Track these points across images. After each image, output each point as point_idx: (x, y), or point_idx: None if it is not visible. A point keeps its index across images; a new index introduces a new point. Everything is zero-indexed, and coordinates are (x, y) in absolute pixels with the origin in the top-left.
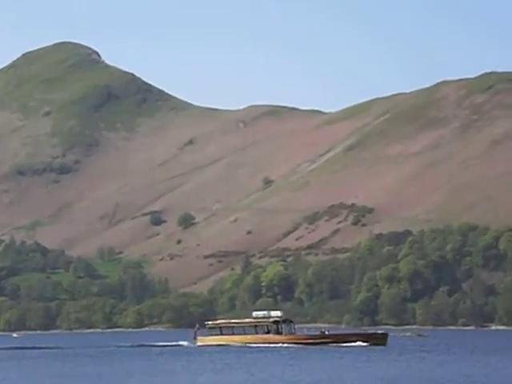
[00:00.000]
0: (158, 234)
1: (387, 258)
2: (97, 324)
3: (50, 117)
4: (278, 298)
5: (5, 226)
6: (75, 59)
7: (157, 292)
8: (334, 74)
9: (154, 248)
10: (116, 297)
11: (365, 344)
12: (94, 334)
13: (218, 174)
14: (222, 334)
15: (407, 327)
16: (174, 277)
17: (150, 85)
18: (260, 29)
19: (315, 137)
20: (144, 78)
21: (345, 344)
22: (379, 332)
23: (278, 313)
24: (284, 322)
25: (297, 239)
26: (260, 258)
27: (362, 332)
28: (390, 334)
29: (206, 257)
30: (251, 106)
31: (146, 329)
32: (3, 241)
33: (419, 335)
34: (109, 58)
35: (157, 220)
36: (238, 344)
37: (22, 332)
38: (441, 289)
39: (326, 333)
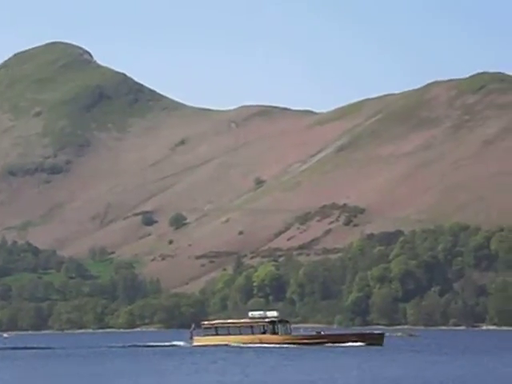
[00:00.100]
0: (149, 235)
1: (379, 258)
2: (88, 324)
3: (42, 117)
4: (270, 298)
5: None
6: (67, 59)
7: (148, 292)
8: (325, 75)
9: (145, 248)
10: (107, 297)
11: (361, 344)
12: (86, 335)
13: (209, 175)
14: (218, 335)
15: (398, 327)
16: (165, 277)
17: (142, 85)
18: (252, 29)
19: (307, 137)
20: (136, 78)
21: (341, 344)
22: (376, 332)
23: (274, 313)
24: (280, 322)
25: (288, 239)
26: (252, 258)
27: (359, 332)
28: None
29: (197, 257)
30: (243, 107)
31: (138, 329)
32: None
33: (410, 335)
34: (100, 58)
35: (148, 220)
36: (234, 344)
37: (14, 332)
38: (432, 289)
39: (322, 333)
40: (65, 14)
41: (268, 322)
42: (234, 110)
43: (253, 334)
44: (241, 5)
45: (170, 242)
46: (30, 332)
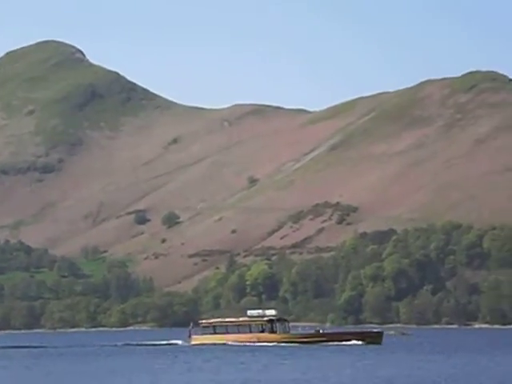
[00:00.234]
0: (142, 233)
1: (371, 256)
2: (81, 323)
3: (34, 116)
4: (263, 296)
5: None
6: (59, 58)
7: (141, 291)
8: (318, 73)
9: (138, 247)
10: (100, 296)
11: (360, 342)
12: (78, 334)
13: (202, 173)
14: (216, 333)
15: (391, 326)
16: (158, 276)
17: (135, 84)
18: (244, 28)
19: (300, 136)
20: (128, 77)
21: (340, 343)
22: (374, 330)
23: (273, 311)
24: (278, 320)
25: (281, 238)
26: (244, 256)
27: (357, 331)
28: None
29: (190, 256)
30: (236, 105)
31: (131, 328)
32: None
33: (403, 334)
34: (93, 57)
35: (141, 219)
36: (232, 343)
37: (7, 331)
38: (425, 287)
39: (321, 331)
40: (57, 12)
41: (266, 320)
42: (227, 108)
43: (251, 332)
44: (233, 4)
45: (163, 241)
46: (22, 331)
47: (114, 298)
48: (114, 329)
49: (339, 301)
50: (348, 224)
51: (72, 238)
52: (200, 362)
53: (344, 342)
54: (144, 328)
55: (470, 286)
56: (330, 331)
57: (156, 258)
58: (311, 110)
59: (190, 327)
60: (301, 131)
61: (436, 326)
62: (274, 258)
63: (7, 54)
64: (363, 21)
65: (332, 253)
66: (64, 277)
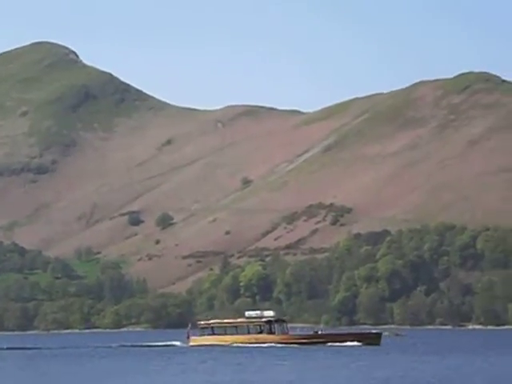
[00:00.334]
0: (136, 235)
1: (365, 257)
2: (74, 324)
3: (27, 117)
4: (257, 297)
5: None
6: (52, 59)
7: (135, 292)
8: (312, 74)
9: (132, 248)
10: (94, 297)
11: (358, 344)
12: (72, 335)
13: (196, 174)
14: (214, 334)
15: (385, 327)
16: (152, 277)
17: (128, 85)
18: (237, 29)
19: (293, 137)
20: (122, 78)
21: (338, 344)
22: (373, 332)
23: (271, 313)
24: (277, 321)
25: (275, 239)
26: (238, 258)
27: (356, 332)
28: None
29: (184, 257)
30: (229, 106)
31: (125, 329)
32: None
33: (397, 335)
34: (86, 58)
35: (135, 220)
36: (230, 344)
37: (0, 333)
38: (418, 288)
39: (320, 332)
40: (51, 13)
41: (265, 321)
42: (221, 109)
43: (249, 333)
44: (225, 5)
45: (157, 242)
46: (16, 332)
47: (108, 299)
48: (107, 330)
49: (333, 302)
50: (342, 225)
51: (66, 240)
52: (195, 362)
53: (342, 343)
54: (138, 329)
55: (463, 287)
56: (328, 332)
57: (150, 259)
58: (305, 111)
59: (189, 328)
60: (294, 132)
61: (430, 327)
62: (267, 259)
63: (1, 54)
64: (357, 22)
65: (326, 254)
66: (58, 278)
